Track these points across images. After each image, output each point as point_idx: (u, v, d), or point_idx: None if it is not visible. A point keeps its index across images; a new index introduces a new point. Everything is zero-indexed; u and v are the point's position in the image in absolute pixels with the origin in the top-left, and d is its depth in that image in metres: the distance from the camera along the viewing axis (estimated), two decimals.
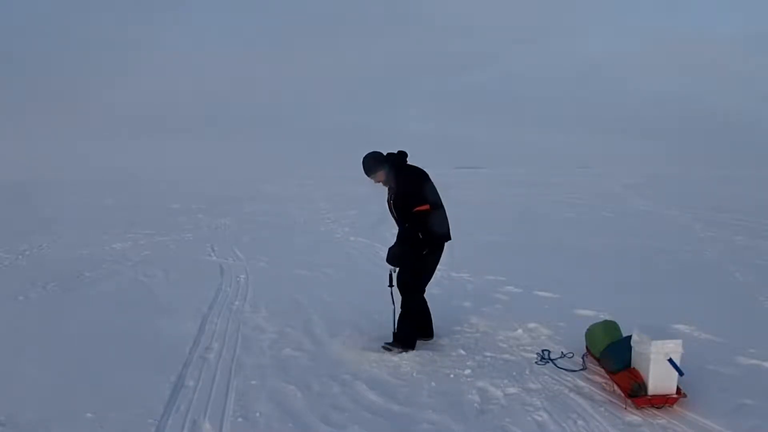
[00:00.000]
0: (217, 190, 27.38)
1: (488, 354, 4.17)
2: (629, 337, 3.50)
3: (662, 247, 9.14)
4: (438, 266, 4.39)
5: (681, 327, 4.63)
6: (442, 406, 3.35)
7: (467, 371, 3.85)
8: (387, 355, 4.15)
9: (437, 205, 4.17)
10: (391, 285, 4.35)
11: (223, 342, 4.53)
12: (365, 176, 4.28)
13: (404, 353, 4.16)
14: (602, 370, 3.71)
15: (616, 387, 3.43)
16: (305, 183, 34.20)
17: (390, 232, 5.30)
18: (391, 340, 4.33)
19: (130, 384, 3.66)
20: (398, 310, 4.32)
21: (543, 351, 4.14)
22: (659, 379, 3.21)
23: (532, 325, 4.76)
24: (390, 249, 4.23)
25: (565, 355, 4.07)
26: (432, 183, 4.23)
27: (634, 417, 3.16)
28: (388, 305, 4.41)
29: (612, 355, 3.58)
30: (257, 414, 3.27)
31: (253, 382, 3.71)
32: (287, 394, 3.53)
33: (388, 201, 4.32)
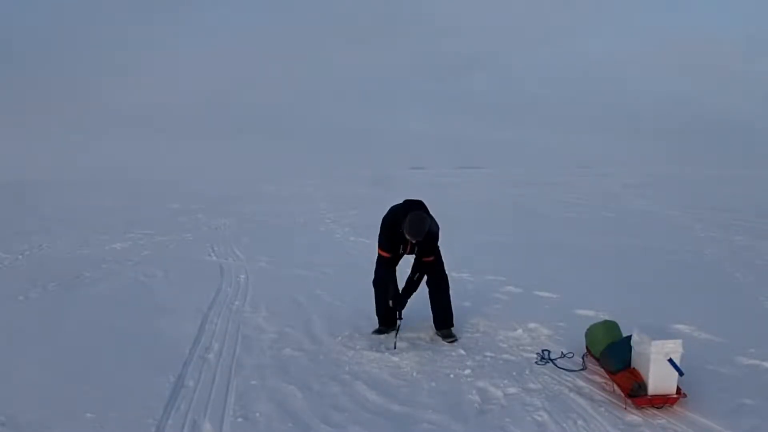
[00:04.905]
0: (217, 190, 27.39)
1: (488, 354, 4.17)
2: (629, 337, 3.50)
3: (662, 247, 9.14)
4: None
5: (681, 327, 4.63)
6: (442, 406, 3.35)
7: (467, 371, 3.85)
8: (387, 355, 4.15)
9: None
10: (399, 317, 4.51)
11: (223, 342, 4.53)
12: (415, 239, 4.20)
13: (404, 353, 4.18)
14: (602, 370, 3.71)
15: (616, 387, 3.43)
16: (305, 183, 34.20)
17: None
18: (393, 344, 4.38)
19: (130, 384, 3.67)
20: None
21: (543, 351, 4.14)
22: (659, 379, 3.21)
23: (532, 325, 4.76)
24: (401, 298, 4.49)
25: (565, 355, 4.07)
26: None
27: (634, 417, 3.16)
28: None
29: (612, 355, 3.57)
30: (257, 414, 3.27)
31: (253, 382, 3.72)
32: (287, 394, 3.54)
33: (409, 245, 4.36)
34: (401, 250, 4.46)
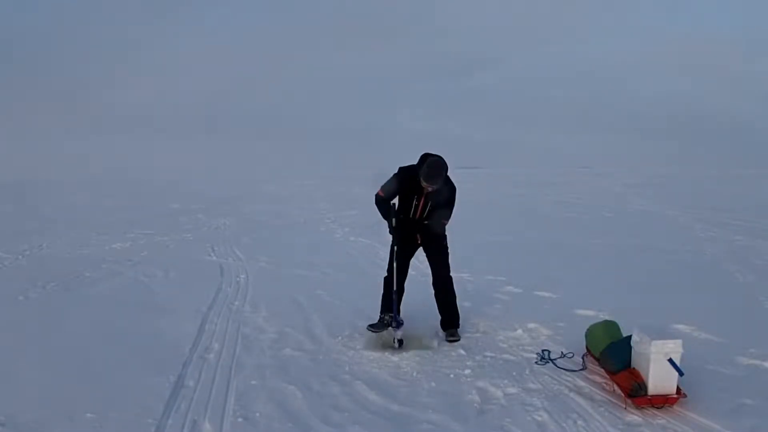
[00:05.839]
0: (217, 190, 27.37)
1: (488, 354, 4.17)
2: (629, 337, 3.50)
3: (662, 247, 9.13)
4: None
5: (681, 327, 4.63)
6: (442, 406, 3.35)
7: (467, 371, 3.85)
8: (387, 355, 4.15)
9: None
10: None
11: (223, 342, 4.53)
12: (431, 185, 4.16)
13: (404, 353, 4.18)
14: (602, 370, 3.71)
15: (616, 387, 3.43)
16: (305, 183, 34.19)
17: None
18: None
19: (130, 384, 3.67)
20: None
21: (543, 351, 4.14)
22: (659, 379, 3.21)
23: (532, 325, 4.76)
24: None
25: (565, 355, 4.07)
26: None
27: (634, 417, 3.16)
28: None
29: (612, 355, 3.58)
30: (257, 414, 3.27)
31: (253, 382, 3.72)
32: (287, 394, 3.54)
33: (423, 196, 4.30)
34: (414, 205, 4.35)
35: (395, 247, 4.48)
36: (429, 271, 4.65)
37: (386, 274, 4.63)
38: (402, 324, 4.33)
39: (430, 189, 4.21)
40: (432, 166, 4.10)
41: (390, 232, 4.47)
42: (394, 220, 4.40)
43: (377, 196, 4.46)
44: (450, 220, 4.48)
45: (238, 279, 6.95)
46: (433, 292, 4.65)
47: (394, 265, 4.47)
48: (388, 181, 4.40)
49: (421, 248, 4.63)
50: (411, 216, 4.42)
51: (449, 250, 4.61)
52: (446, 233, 4.57)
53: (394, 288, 4.45)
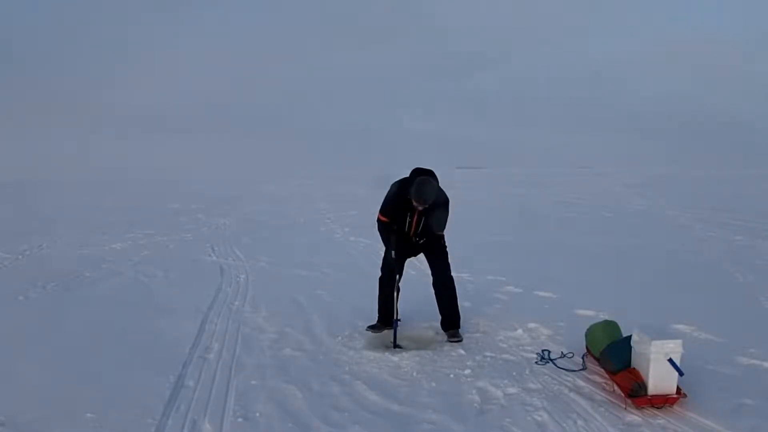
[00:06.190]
0: (217, 190, 27.37)
1: (488, 354, 4.17)
2: (629, 337, 3.50)
3: (662, 247, 9.14)
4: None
5: (681, 327, 4.63)
6: (442, 406, 3.35)
7: (467, 371, 3.85)
8: (387, 355, 4.15)
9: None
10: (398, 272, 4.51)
11: (223, 342, 4.53)
12: (422, 205, 4.17)
13: (404, 353, 4.19)
14: (602, 370, 3.71)
15: (616, 387, 3.43)
16: (305, 183, 34.19)
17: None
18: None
19: (130, 384, 3.67)
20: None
21: (543, 351, 4.13)
22: (659, 379, 3.21)
23: (532, 325, 4.76)
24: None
25: (565, 355, 4.07)
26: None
27: (634, 417, 3.16)
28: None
29: (612, 355, 3.57)
30: (257, 414, 3.27)
31: (253, 382, 3.71)
32: (287, 394, 3.54)
33: (416, 216, 4.32)
34: (408, 221, 4.36)
35: (391, 251, 4.49)
36: (429, 271, 4.66)
37: (381, 274, 4.65)
38: (401, 350, 4.33)
39: (420, 208, 4.24)
40: (421, 187, 4.12)
41: (389, 252, 4.50)
42: (393, 252, 4.43)
43: (380, 221, 4.50)
44: (445, 228, 4.50)
45: (238, 279, 6.95)
46: (433, 292, 4.65)
47: (392, 262, 4.48)
48: (385, 202, 4.43)
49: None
50: (406, 230, 4.44)
51: (447, 250, 4.61)
52: (444, 234, 4.57)
53: (395, 317, 4.44)
